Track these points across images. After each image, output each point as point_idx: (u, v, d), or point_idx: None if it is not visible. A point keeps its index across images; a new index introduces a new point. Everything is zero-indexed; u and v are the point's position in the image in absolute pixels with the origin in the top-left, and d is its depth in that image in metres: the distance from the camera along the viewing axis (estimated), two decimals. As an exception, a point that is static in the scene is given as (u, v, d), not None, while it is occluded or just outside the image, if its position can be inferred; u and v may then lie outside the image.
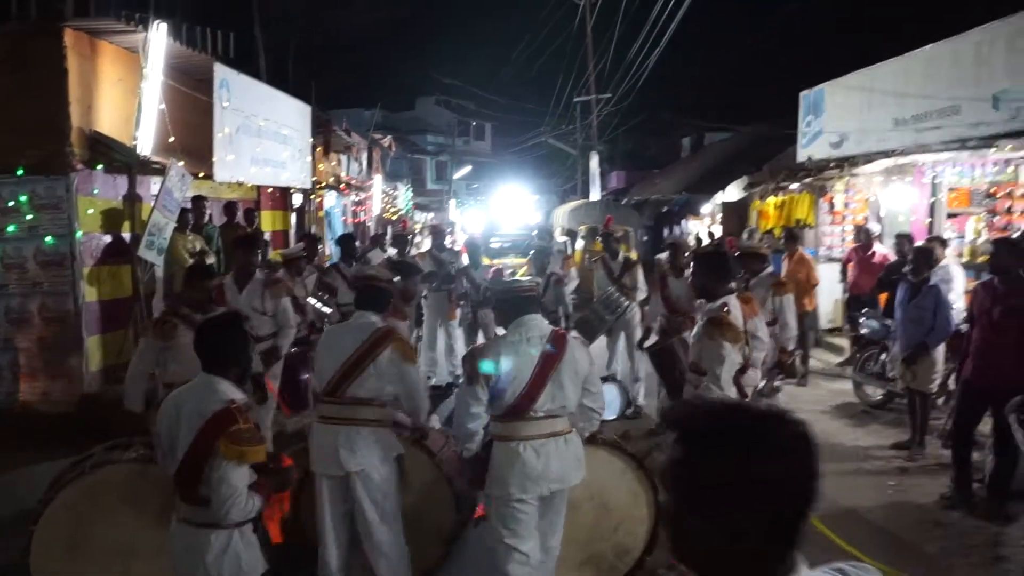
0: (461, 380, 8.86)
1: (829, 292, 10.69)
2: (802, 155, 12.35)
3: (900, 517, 5.28)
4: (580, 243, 17.42)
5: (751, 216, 14.22)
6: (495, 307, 3.80)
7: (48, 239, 7.09)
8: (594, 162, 24.26)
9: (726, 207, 16.74)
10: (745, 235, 12.09)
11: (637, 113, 26.54)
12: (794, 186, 12.34)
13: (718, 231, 16.71)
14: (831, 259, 11.41)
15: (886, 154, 9.66)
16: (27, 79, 6.95)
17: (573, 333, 3.74)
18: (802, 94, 12.50)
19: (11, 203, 7.09)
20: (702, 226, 19.30)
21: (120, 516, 3.61)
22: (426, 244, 13.88)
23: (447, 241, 10.26)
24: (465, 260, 9.24)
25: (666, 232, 20.24)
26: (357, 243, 10.55)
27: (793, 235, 9.45)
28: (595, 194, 23.98)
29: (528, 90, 34.15)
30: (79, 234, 7.13)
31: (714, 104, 30.80)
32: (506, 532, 3.45)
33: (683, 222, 20.71)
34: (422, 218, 32.56)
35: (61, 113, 6.94)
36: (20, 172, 6.99)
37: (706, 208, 19.05)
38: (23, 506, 4.00)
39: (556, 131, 27.86)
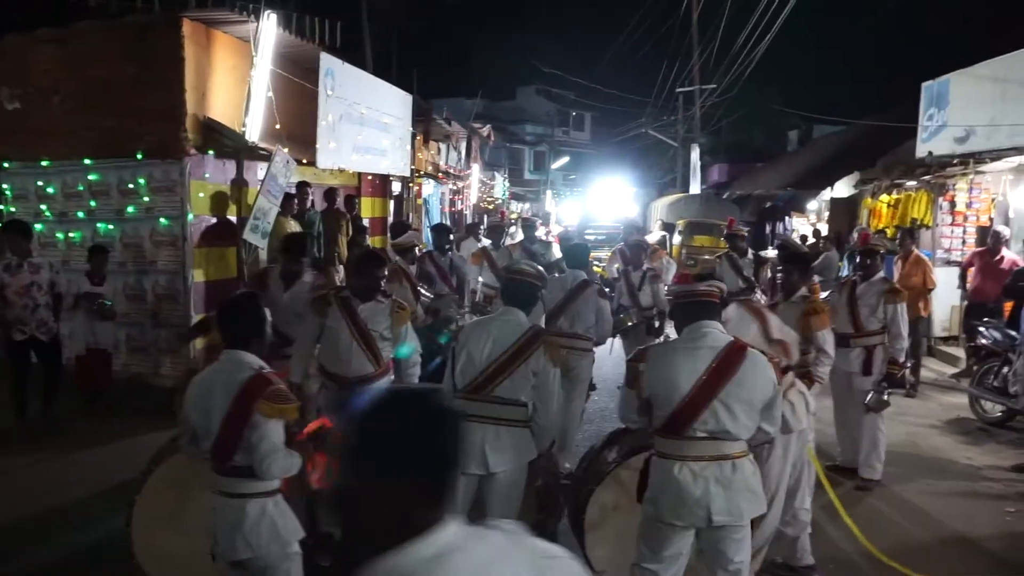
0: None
1: (945, 298, 9.99)
2: (921, 150, 11.57)
3: (1021, 548, 4.85)
4: (677, 237, 17.00)
5: (861, 214, 13.48)
6: (671, 311, 3.48)
7: (163, 220, 7.45)
8: (695, 154, 23.65)
9: (834, 204, 15.96)
10: (855, 234, 11.44)
11: (742, 104, 25.68)
12: (911, 183, 11.59)
13: (824, 229, 15.94)
14: (949, 262, 10.66)
15: (1020, 151, 8.91)
16: (148, 67, 7.31)
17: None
18: (925, 85, 11.71)
19: (131, 185, 7.49)
20: (807, 224, 18.47)
21: None
22: (520, 235, 13.88)
23: (539, 232, 10.21)
24: (557, 252, 9.14)
25: (768, 229, 19.49)
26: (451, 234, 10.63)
27: (910, 235, 8.86)
28: (695, 187, 23.39)
29: (630, 80, 33.52)
30: (190, 216, 7.46)
31: (825, 95, 29.36)
32: (646, 553, 3.19)
33: (787, 219, 19.88)
34: (518, 208, 32.64)
35: (178, 100, 7.26)
36: (140, 156, 7.36)
37: (812, 205, 18.23)
38: (129, 475, 4.19)
39: (657, 122, 27.34)
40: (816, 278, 11.95)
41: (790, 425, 3.84)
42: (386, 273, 4.57)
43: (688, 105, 24.83)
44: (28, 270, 6.32)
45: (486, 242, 8.90)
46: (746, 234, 8.93)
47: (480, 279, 8.69)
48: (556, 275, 7.62)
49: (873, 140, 17.63)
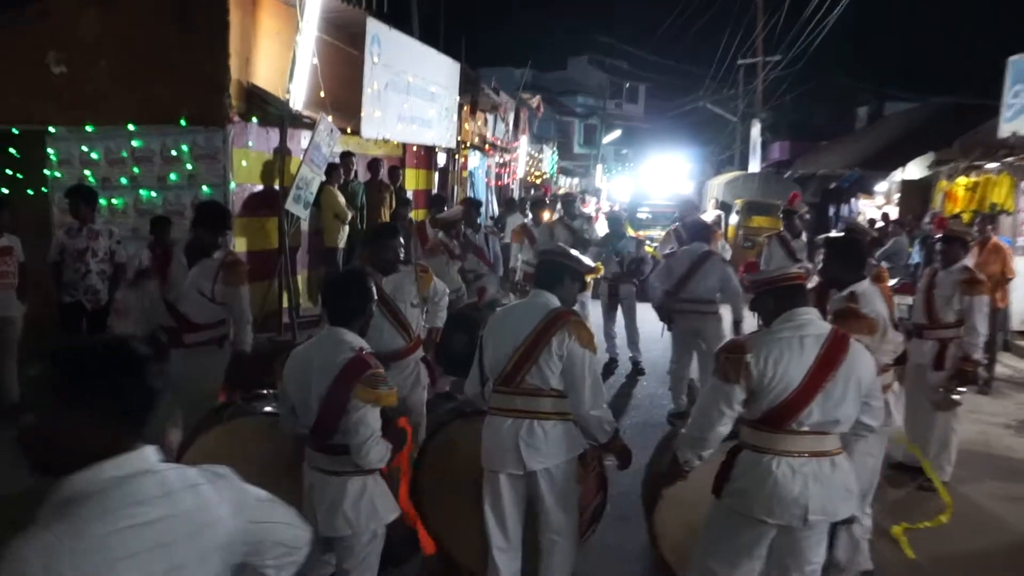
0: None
1: (1025, 289, 9.61)
2: (1004, 130, 11.10)
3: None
4: (734, 218, 16.67)
5: (935, 198, 13.05)
6: (755, 299, 3.27)
7: (205, 188, 7.55)
8: (755, 130, 23.12)
9: (906, 186, 15.46)
10: (927, 219, 11.07)
11: (808, 78, 24.98)
12: (991, 166, 11.15)
13: (893, 213, 15.46)
14: (1031, 252, 10.24)
15: (1114, 133, 8.47)
16: (191, 32, 7.37)
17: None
18: (1011, 59, 11.19)
19: (173, 152, 7.60)
20: (874, 207, 17.94)
21: (252, 467, 3.74)
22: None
23: (581, 208, 10.06)
24: (600, 229, 9.00)
25: (831, 211, 18.98)
26: (499, 207, 10.54)
27: (989, 220, 8.52)
28: (754, 165, 22.91)
29: (687, 50, 32.91)
30: (232, 185, 7.54)
31: (898, 70, 28.42)
32: (722, 551, 3.12)
33: (853, 201, 19.32)
34: (566, 183, 32.41)
35: (222, 66, 7.32)
36: (183, 123, 7.45)
37: (881, 187, 17.68)
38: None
39: (716, 95, 26.75)
40: (884, 264, 11.66)
41: (893, 418, 3.77)
42: (402, 243, 4.57)
43: (750, 78, 24.25)
44: (87, 235, 6.49)
45: (528, 218, 8.81)
46: (806, 214, 8.65)
47: (520, 257, 8.65)
48: (676, 248, 7.65)
49: (950, 119, 17.02)
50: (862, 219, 16.98)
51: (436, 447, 4.08)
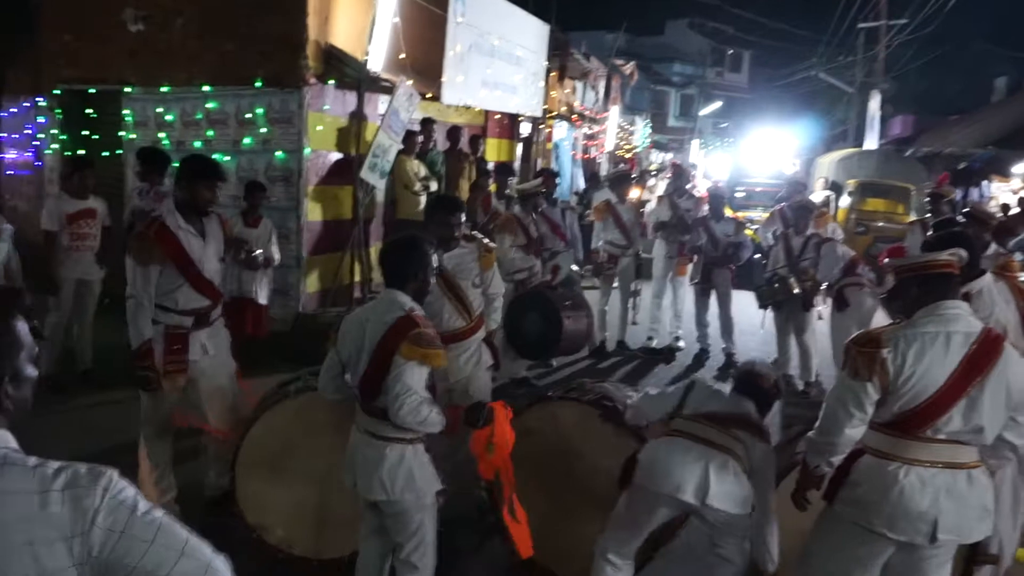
0: (680, 344, 8.54)
1: None
2: None
3: None
4: (846, 200, 16.05)
5: (1084, 182, 12.22)
6: (895, 287, 3.17)
7: (279, 154, 7.73)
8: (875, 103, 22.16)
9: (1049, 168, 14.55)
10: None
11: (939, 44, 23.78)
12: None
13: (1032, 198, 14.60)
14: None
15: None
16: (268, -11, 7.51)
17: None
18: None
19: (248, 116, 7.79)
20: (1009, 191, 16.98)
21: (317, 442, 3.87)
22: (662, 187, 13.50)
23: (689, 186, 9.82)
24: (706, 209, 8.79)
25: (960, 195, 18.08)
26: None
27: None
28: (871, 142, 21.98)
29: (800, 12, 31.74)
30: (307, 151, 7.69)
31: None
32: (833, 564, 3.02)
33: (985, 184, 18.35)
34: (658, 159, 31.90)
35: (299, 25, 7.45)
36: (258, 84, 7.63)
37: (1019, 168, 16.72)
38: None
39: (831, 64, 25.74)
40: (1019, 255, 11.04)
41: None
42: (463, 219, 4.50)
43: (870, 44, 23.20)
44: (153, 197, 6.66)
45: (611, 194, 8.67)
46: (956, 199, 8.22)
47: (602, 236, 8.52)
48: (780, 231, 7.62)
49: (1106, 91, 15.92)
50: (994, 205, 16.12)
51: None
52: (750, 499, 3.28)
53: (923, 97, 31.56)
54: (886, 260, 4.97)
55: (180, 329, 4.18)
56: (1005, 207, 14.59)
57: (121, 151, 8.41)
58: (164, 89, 8.09)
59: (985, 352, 2.83)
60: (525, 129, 14.00)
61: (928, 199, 8.17)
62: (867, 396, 2.86)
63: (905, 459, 2.88)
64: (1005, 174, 17.40)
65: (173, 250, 4.08)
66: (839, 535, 3.02)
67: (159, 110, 8.23)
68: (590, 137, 19.68)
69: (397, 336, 3.05)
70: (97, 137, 8.57)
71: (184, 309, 4.19)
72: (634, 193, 10.03)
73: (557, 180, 9.70)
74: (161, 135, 8.25)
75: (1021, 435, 2.94)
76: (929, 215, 8.02)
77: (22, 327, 1.54)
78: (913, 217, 12.36)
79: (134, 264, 4.04)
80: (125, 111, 8.40)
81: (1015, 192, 16.45)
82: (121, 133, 8.46)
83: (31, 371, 1.55)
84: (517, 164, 13.64)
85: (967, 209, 6.88)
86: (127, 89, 8.33)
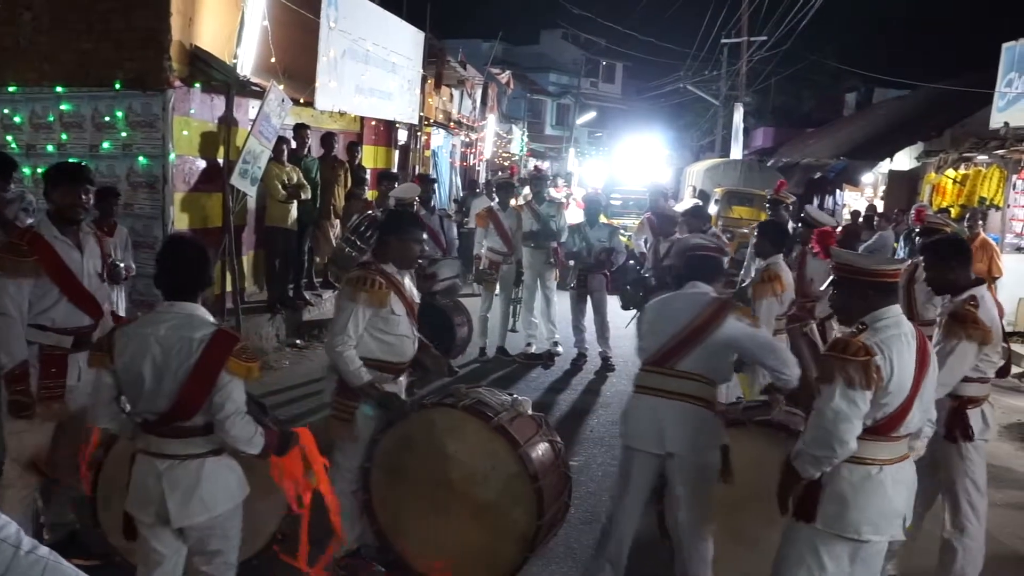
0: (558, 349, 8.65)
1: (1014, 288, 9.86)
2: (996, 120, 11.39)
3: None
4: (713, 208, 16.83)
5: (923, 190, 13.35)
6: (845, 291, 3.16)
7: (141, 159, 7.41)
8: (738, 115, 23.36)
9: (893, 178, 15.79)
10: (912, 212, 11.29)
11: (795, 61, 25.28)
12: (981, 158, 11.45)
13: (880, 205, 15.76)
14: (1020, 248, 10.52)
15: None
16: (129, -14, 7.21)
17: None
18: (1005, 46, 11.48)
19: (107, 118, 7.44)
20: (861, 198, 18.27)
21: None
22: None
23: (550, 191, 10.04)
24: (569, 216, 9.03)
25: (816, 202, 19.29)
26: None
27: (980, 215, 8.74)
28: (736, 152, 23.13)
29: (669, 28, 33.02)
30: (172, 156, 7.41)
31: (889, 54, 28.91)
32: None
33: (838, 192, 19.66)
34: (533, 166, 32.43)
35: (162, 24, 7.18)
36: (118, 86, 7.30)
37: (867, 178, 18.03)
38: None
39: (697, 77, 26.95)
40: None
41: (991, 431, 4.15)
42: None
43: (733, 59, 24.47)
44: None
45: (494, 201, 8.80)
46: (792, 204, 8.77)
47: (485, 243, 8.63)
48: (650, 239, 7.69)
49: (941, 107, 17.39)
50: (847, 211, 17.30)
51: (391, 442, 4.07)
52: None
53: (782, 110, 33.49)
54: (831, 247, 5.22)
55: (58, 350, 3.87)
56: (855, 214, 15.70)
57: (-38, 155, 7.84)
58: (11, 89, 7.62)
59: (923, 347, 3.05)
60: (402, 136, 13.95)
61: (768, 205, 8.68)
62: (865, 404, 2.88)
63: (880, 460, 2.99)
64: (855, 183, 18.69)
65: (49, 262, 3.78)
66: (823, 553, 3.02)
67: (5, 111, 7.74)
68: (468, 145, 19.82)
69: (220, 352, 2.91)
70: (-66, 140, 7.98)
71: (63, 327, 3.88)
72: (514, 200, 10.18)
73: (435, 186, 9.69)
74: (8, 138, 7.75)
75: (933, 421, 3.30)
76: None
77: None
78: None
79: (3, 278, 3.72)
80: (-34, 112, 7.86)
81: (868, 199, 17.71)
82: (-38, 135, 7.90)
83: None
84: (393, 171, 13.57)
85: (803, 215, 7.40)
86: (-32, 89, 7.79)
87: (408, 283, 4.24)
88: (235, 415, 2.95)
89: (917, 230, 6.16)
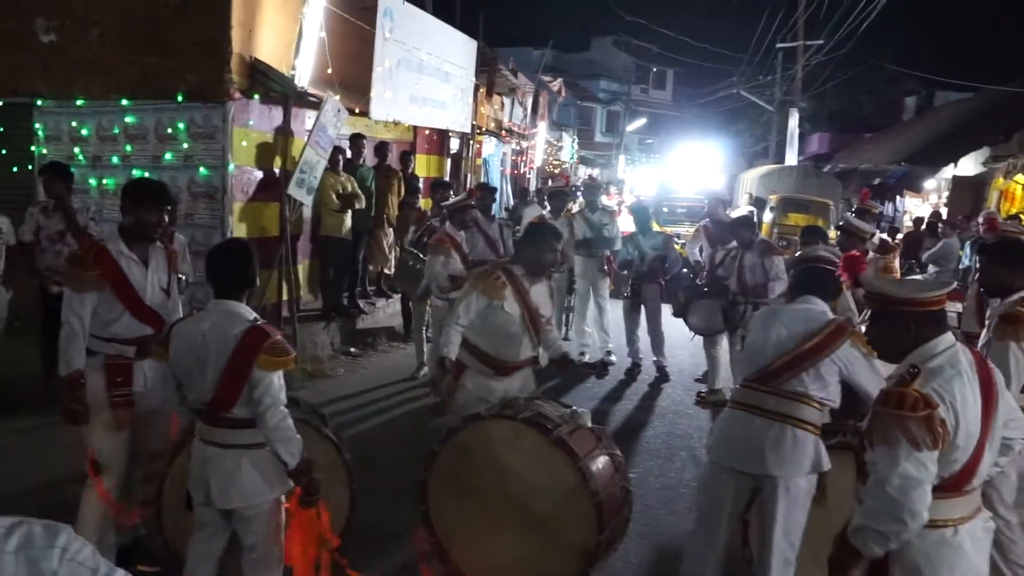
0: (611, 358, 8.56)
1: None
2: (1069, 125, 10.98)
3: None
4: (769, 215, 16.58)
5: (991, 196, 12.94)
6: (882, 323, 2.80)
7: (202, 170, 7.56)
8: (793, 120, 22.99)
9: (957, 183, 15.35)
10: (980, 219, 10.97)
11: (853, 65, 24.83)
12: (1053, 163, 11.04)
13: (944, 212, 15.33)
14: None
15: None
16: (192, 0, 7.37)
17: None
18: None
19: (169, 130, 7.60)
20: (924, 204, 17.81)
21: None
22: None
23: (603, 199, 9.96)
24: (622, 225, 8.95)
25: (878, 209, 18.90)
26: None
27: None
28: (791, 158, 22.77)
29: (722, 33, 32.75)
30: (231, 167, 7.54)
31: (951, 56, 28.19)
32: None
33: (899, 199, 19.20)
34: (585, 174, 32.38)
35: (223, 37, 7.31)
36: (180, 98, 7.47)
37: (930, 184, 17.56)
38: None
39: (751, 82, 26.62)
40: (932, 268, 11.58)
41: None
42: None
43: (789, 64, 24.11)
44: (63, 216, 6.41)
45: (546, 209, 8.77)
46: (880, 212, 8.52)
47: None
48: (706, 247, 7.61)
49: (1007, 110, 16.85)
50: (908, 218, 16.88)
51: (449, 453, 4.07)
52: None
53: (838, 115, 32.88)
54: (864, 276, 4.98)
55: (122, 359, 3.96)
56: (918, 221, 15.31)
57: (32, 166, 8.10)
58: (79, 102, 7.84)
59: (987, 376, 2.67)
60: (454, 145, 14.03)
61: (855, 213, 8.47)
62: (934, 466, 2.48)
63: (954, 520, 2.59)
64: (917, 189, 18.23)
65: (112, 277, 3.87)
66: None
67: (73, 124, 7.97)
68: (519, 153, 19.85)
69: (252, 348, 3.09)
70: (5, 152, 8.25)
71: (125, 339, 3.97)
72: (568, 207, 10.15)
73: (494, 195, 9.69)
74: (76, 150, 7.98)
75: (1004, 453, 2.80)
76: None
77: None
78: (833, 231, 12.80)
79: (68, 290, 3.87)
80: (36, 124, 8.11)
81: (933, 206, 17.25)
82: (32, 148, 8.15)
83: None
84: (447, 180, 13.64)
85: (842, 223, 7.15)
86: (39, 102, 8.04)
87: (538, 290, 4.41)
88: (272, 407, 3.09)
89: (988, 238, 5.91)
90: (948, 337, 2.68)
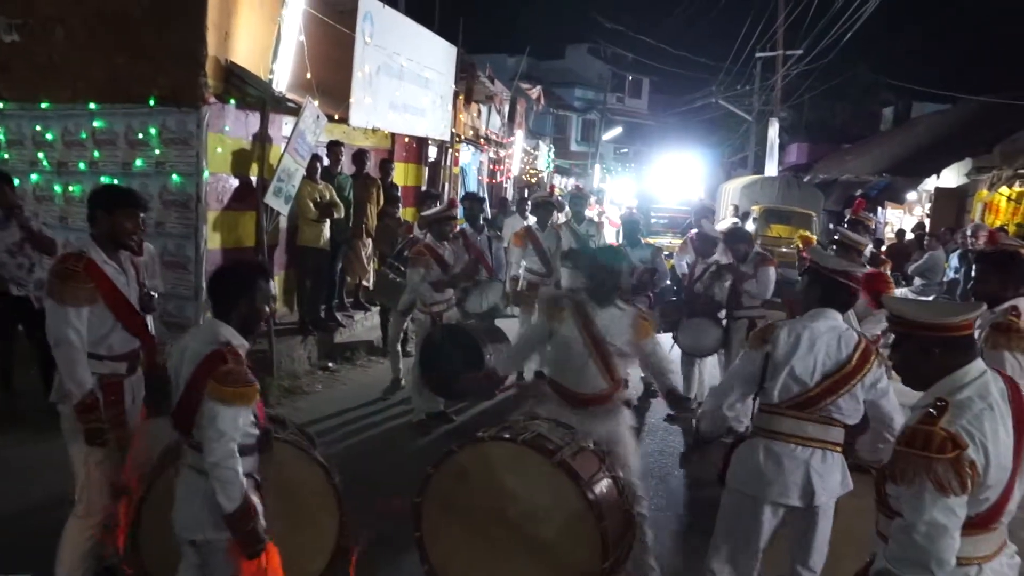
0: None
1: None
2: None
3: None
4: (751, 226, 16.65)
5: (974, 208, 13.07)
6: (908, 348, 2.64)
7: (175, 177, 7.35)
8: (773, 131, 23.17)
9: (939, 195, 15.49)
10: (968, 231, 11.05)
11: (832, 75, 25.08)
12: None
13: (927, 224, 15.48)
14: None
15: None
16: (164, 1, 7.19)
17: None
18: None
19: (140, 135, 7.39)
20: (904, 216, 18.00)
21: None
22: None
23: (589, 212, 9.92)
24: (608, 236, 8.89)
25: (873, 221, 19.08)
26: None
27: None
28: (771, 169, 22.93)
29: (700, 41, 33.03)
30: (206, 174, 7.35)
31: (929, 66, 28.61)
32: None
33: (880, 210, 19.39)
34: (560, 183, 32.40)
35: (198, 40, 7.12)
36: (152, 102, 7.27)
37: (912, 196, 17.74)
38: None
39: (730, 92, 26.81)
40: (918, 281, 11.65)
41: None
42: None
43: (768, 73, 24.31)
44: (16, 224, 6.12)
45: (531, 221, 8.67)
46: (874, 226, 8.53)
47: (523, 264, 8.49)
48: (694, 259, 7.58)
49: (986, 122, 17.10)
50: (890, 229, 17.03)
51: (445, 476, 3.94)
52: None
53: (817, 125, 33.24)
54: (884, 296, 4.90)
55: (115, 377, 3.83)
56: (900, 233, 15.45)
57: (-7, 173, 7.85)
58: (44, 105, 7.62)
59: (1019, 407, 2.53)
60: (432, 153, 13.90)
61: (847, 225, 8.48)
62: (963, 510, 2.37)
63: (979, 558, 2.49)
64: (900, 201, 18.42)
65: (106, 288, 3.74)
66: None
67: (37, 128, 7.76)
68: (496, 162, 19.76)
69: (205, 372, 2.98)
70: (-36, 157, 8.00)
71: (119, 354, 3.84)
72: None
73: (483, 205, 9.59)
74: (40, 155, 7.76)
75: None
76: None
77: None
78: (813, 239, 12.87)
79: (60, 306, 3.66)
80: (-3, 129, 7.89)
81: (919, 218, 17.43)
82: (-7, 153, 7.92)
83: None
84: (423, 188, 13.50)
85: (836, 236, 7.16)
86: (0, 105, 7.81)
87: (610, 317, 4.29)
88: (215, 441, 2.92)
89: (987, 252, 5.88)
90: (978, 365, 2.55)
